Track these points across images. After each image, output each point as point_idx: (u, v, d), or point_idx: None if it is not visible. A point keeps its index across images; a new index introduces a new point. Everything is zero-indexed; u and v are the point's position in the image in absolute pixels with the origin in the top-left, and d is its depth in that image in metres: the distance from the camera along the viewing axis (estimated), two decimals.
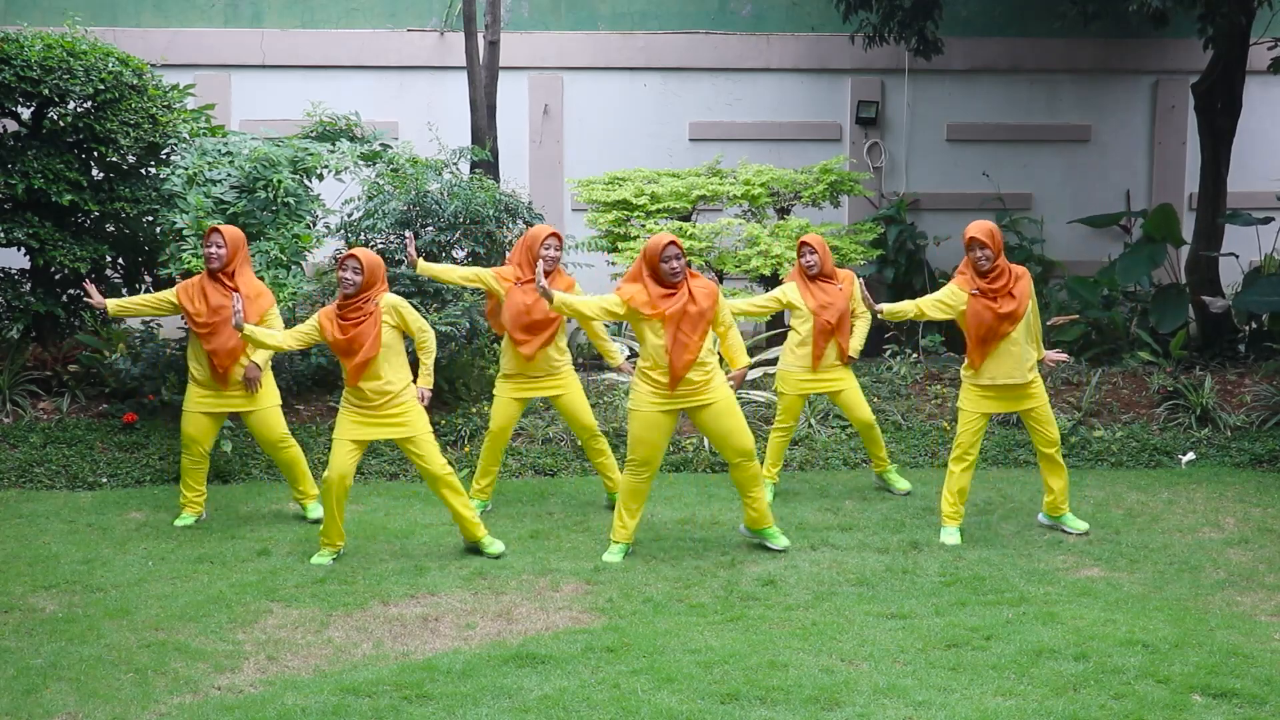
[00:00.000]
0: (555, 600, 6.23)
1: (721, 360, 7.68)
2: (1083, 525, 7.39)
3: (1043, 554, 7.01)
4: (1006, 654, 5.39)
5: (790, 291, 8.07)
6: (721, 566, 6.76)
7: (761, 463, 8.14)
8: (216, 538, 7.29)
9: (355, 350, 6.62)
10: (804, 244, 8.08)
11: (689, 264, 6.97)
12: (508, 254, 10.36)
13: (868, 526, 7.55)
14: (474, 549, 6.97)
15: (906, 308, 7.30)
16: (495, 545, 6.95)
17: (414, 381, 6.93)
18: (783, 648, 5.49)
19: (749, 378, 9.88)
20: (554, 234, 7.54)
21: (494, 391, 7.80)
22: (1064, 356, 7.56)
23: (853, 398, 8.16)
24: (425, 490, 8.46)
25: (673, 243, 6.65)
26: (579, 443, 9.23)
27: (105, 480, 8.54)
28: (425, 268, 7.71)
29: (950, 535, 7.28)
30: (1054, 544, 7.20)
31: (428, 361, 6.95)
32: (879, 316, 7.35)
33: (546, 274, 7.46)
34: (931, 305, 7.27)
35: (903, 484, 8.39)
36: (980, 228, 7.11)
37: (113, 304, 7.52)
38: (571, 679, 5.14)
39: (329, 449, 8.97)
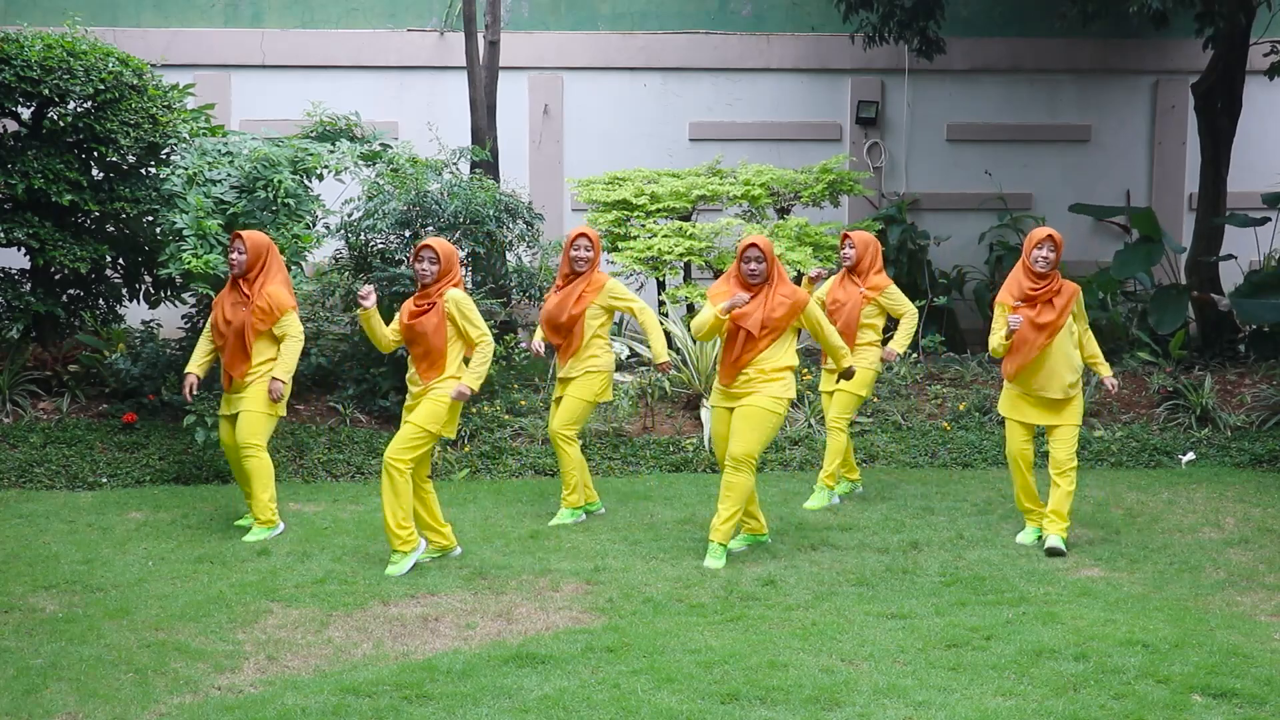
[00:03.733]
0: (555, 600, 6.22)
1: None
2: (1055, 542, 7.10)
3: (1042, 554, 7.01)
4: (1006, 654, 5.39)
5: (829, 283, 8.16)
6: (721, 566, 6.75)
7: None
8: (216, 538, 7.29)
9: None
10: (845, 236, 8.18)
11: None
12: (509, 254, 10.40)
13: (868, 526, 7.55)
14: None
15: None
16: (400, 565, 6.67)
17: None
18: (783, 648, 5.49)
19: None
20: (581, 234, 7.67)
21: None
22: (1111, 384, 7.30)
23: (838, 398, 8.08)
24: None
25: (752, 244, 6.79)
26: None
27: (105, 480, 8.54)
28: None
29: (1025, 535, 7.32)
30: None
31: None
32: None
33: (578, 274, 7.61)
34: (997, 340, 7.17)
35: (819, 503, 8.08)
36: (1052, 230, 7.11)
37: (193, 376, 7.50)
38: (571, 679, 5.14)
39: (330, 449, 9.00)
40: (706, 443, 9.22)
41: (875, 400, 9.98)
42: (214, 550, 7.01)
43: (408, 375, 6.83)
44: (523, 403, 9.73)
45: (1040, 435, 7.66)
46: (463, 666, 5.27)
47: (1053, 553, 6.96)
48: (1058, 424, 7.07)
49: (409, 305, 6.83)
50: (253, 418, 7.28)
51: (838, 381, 7.58)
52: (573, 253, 7.60)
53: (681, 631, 5.71)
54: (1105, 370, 7.30)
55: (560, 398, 7.69)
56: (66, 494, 8.30)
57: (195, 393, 7.57)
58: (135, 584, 6.38)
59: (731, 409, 6.84)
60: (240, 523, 7.55)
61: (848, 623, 5.84)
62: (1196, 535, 7.39)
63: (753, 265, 6.76)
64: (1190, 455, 9.27)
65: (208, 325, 7.53)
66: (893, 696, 4.95)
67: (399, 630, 5.80)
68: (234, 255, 7.35)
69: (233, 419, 7.40)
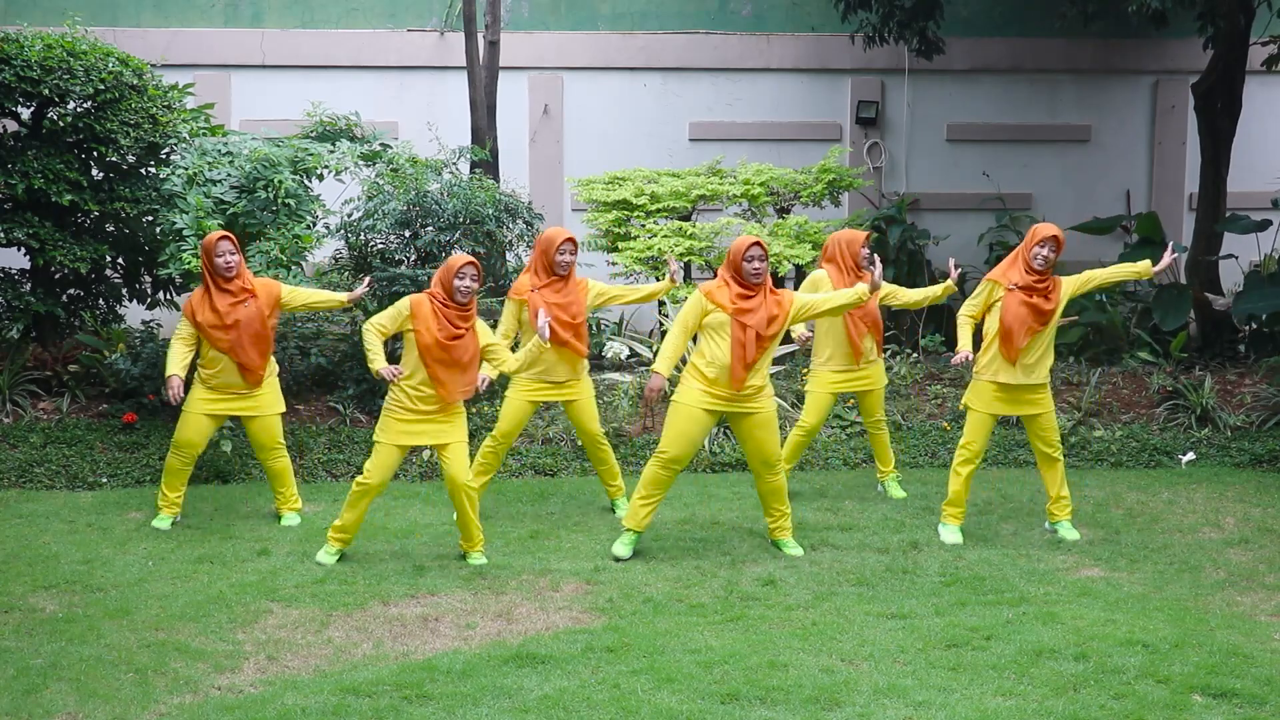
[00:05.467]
0: (555, 600, 6.22)
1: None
2: (1074, 534, 7.35)
3: (1043, 554, 7.02)
4: (1006, 654, 5.39)
5: (823, 282, 7.94)
6: (721, 566, 6.76)
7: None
8: (216, 538, 7.29)
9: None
10: (866, 237, 8.08)
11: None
12: (509, 254, 10.40)
13: (868, 526, 7.55)
14: (463, 555, 6.94)
15: (966, 332, 7.38)
16: (481, 558, 6.85)
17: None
18: (783, 648, 5.49)
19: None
20: (569, 239, 7.52)
21: (505, 393, 7.71)
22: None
23: (873, 399, 8.17)
24: (425, 490, 8.46)
25: (756, 243, 6.75)
26: (580, 444, 9.22)
27: (105, 480, 8.54)
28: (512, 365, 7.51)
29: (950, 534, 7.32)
30: (1054, 544, 7.20)
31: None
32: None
33: (564, 277, 7.48)
34: (968, 316, 7.38)
35: (899, 492, 8.32)
36: (1058, 230, 7.19)
37: (177, 378, 7.39)
38: (571, 679, 5.14)
39: (330, 449, 9.00)
40: (707, 442, 9.21)
41: None
42: (214, 550, 7.01)
43: (415, 395, 6.61)
44: None
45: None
46: (463, 666, 5.27)
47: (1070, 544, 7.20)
48: (1037, 411, 7.26)
49: (441, 324, 6.59)
50: (276, 420, 7.63)
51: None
52: (559, 257, 7.44)
53: (681, 631, 5.71)
54: (1144, 268, 7.42)
55: (572, 401, 7.61)
56: (66, 494, 8.30)
57: (181, 395, 7.47)
58: (135, 584, 6.39)
59: (724, 414, 6.81)
60: (157, 524, 7.46)
61: (848, 623, 5.84)
62: (1196, 535, 7.39)
63: (756, 264, 6.73)
64: (1190, 455, 9.27)
65: (184, 331, 7.41)
66: (893, 696, 4.95)
67: (399, 630, 5.80)
68: (228, 258, 7.34)
69: (220, 419, 7.51)
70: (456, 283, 6.58)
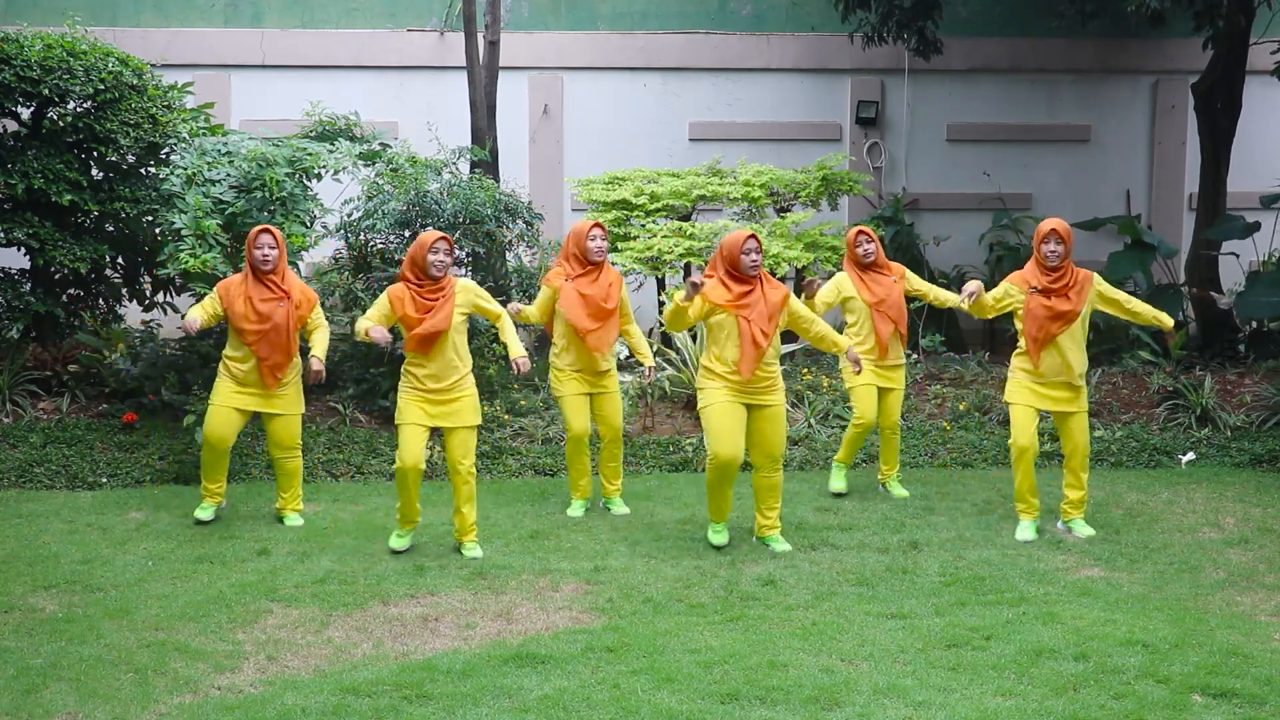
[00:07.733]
0: (555, 600, 6.23)
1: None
2: (1089, 531, 7.37)
3: (1043, 554, 7.02)
4: (1006, 654, 5.39)
5: (844, 284, 8.08)
6: (721, 566, 6.76)
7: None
8: (216, 538, 7.29)
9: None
10: (861, 232, 8.11)
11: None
12: (508, 254, 10.40)
13: (868, 526, 7.55)
14: (458, 548, 6.99)
15: (986, 300, 7.28)
16: (476, 550, 6.95)
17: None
18: (783, 648, 5.49)
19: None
20: (597, 224, 7.72)
21: (559, 392, 7.76)
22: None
23: (894, 399, 8.18)
24: (425, 490, 8.45)
25: (751, 236, 6.79)
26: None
27: (105, 480, 8.54)
28: (526, 315, 7.76)
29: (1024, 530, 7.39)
30: (1054, 544, 7.20)
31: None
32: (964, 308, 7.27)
33: (596, 263, 7.65)
34: (993, 302, 7.33)
35: (901, 491, 8.34)
36: (1059, 223, 7.19)
37: (198, 324, 7.33)
38: (571, 679, 5.14)
39: (330, 449, 9.00)
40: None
41: None
42: (214, 550, 7.01)
43: (423, 373, 6.80)
44: (523, 403, 9.72)
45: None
46: (463, 666, 5.27)
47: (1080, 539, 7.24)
48: (1071, 410, 7.27)
49: (417, 300, 6.77)
50: (296, 421, 7.62)
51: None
52: (590, 243, 7.64)
53: (681, 631, 5.71)
54: (1167, 321, 7.41)
55: (598, 394, 7.74)
56: (66, 494, 8.30)
57: (196, 326, 7.32)
58: (135, 584, 6.39)
59: (750, 406, 6.86)
60: (200, 515, 7.51)
61: (848, 623, 5.84)
62: (1196, 535, 7.40)
63: (754, 256, 6.80)
64: (1190, 455, 9.27)
65: (213, 300, 7.38)
66: (893, 696, 4.95)
67: (399, 630, 5.80)
68: (266, 251, 7.34)
69: (245, 415, 7.49)
70: (430, 257, 6.76)
